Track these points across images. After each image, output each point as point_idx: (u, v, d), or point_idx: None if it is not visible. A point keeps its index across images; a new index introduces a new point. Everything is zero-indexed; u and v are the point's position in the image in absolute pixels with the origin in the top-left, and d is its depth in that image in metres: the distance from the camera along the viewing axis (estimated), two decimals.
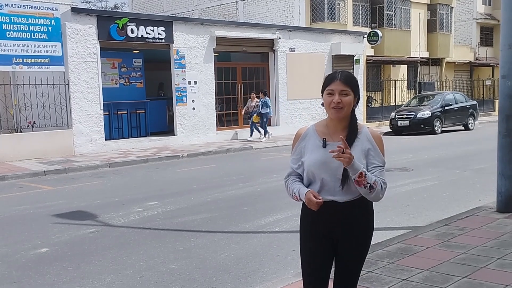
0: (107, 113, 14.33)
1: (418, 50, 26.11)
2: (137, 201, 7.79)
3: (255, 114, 15.94)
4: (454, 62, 30.40)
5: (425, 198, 7.62)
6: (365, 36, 21.35)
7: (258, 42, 17.52)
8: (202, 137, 15.86)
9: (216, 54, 16.44)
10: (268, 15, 22.76)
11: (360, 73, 21.06)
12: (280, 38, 17.88)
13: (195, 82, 15.67)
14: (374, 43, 21.40)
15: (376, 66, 25.55)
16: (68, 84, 13.11)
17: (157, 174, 10.85)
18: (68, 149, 13.11)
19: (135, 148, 14.20)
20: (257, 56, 18.56)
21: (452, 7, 29.15)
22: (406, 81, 25.38)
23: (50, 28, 12.84)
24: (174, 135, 15.38)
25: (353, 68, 20.61)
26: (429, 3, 27.67)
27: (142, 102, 15.49)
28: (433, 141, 16.17)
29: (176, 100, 15.30)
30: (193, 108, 15.64)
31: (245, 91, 17.78)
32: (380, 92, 24.51)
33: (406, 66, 26.95)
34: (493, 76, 32.62)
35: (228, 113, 17.60)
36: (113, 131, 14.62)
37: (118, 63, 15.00)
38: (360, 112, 21.25)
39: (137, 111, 15.26)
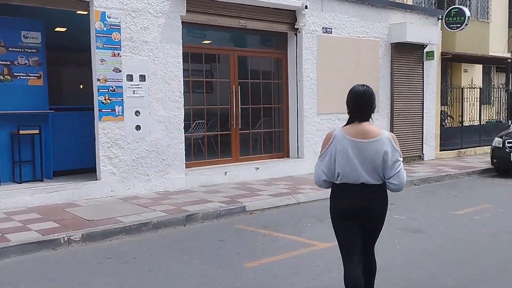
0: None
1: (506, 47, 18.14)
2: None
3: None
4: None
5: None
6: (441, 17, 13.62)
7: (268, 14, 10.06)
8: (156, 181, 8.40)
9: (187, 26, 9.05)
10: None
11: (432, 73, 13.39)
12: (307, 8, 10.37)
13: (142, 78, 8.25)
14: (458, 27, 13.47)
15: (442, 68, 17.72)
16: None
17: None
18: None
19: None
20: (267, 38, 11.09)
21: None
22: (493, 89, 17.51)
23: None
24: (96, 179, 7.96)
25: (423, 65, 12.96)
26: None
27: (39, 114, 8.13)
28: None
29: (100, 110, 7.89)
30: (137, 127, 8.21)
31: (244, 98, 10.28)
32: (450, 105, 16.70)
33: (481, 69, 19.04)
34: None
35: (212, 136, 10.10)
36: None
37: None
38: (433, 134, 13.49)
39: (27, 132, 7.91)
